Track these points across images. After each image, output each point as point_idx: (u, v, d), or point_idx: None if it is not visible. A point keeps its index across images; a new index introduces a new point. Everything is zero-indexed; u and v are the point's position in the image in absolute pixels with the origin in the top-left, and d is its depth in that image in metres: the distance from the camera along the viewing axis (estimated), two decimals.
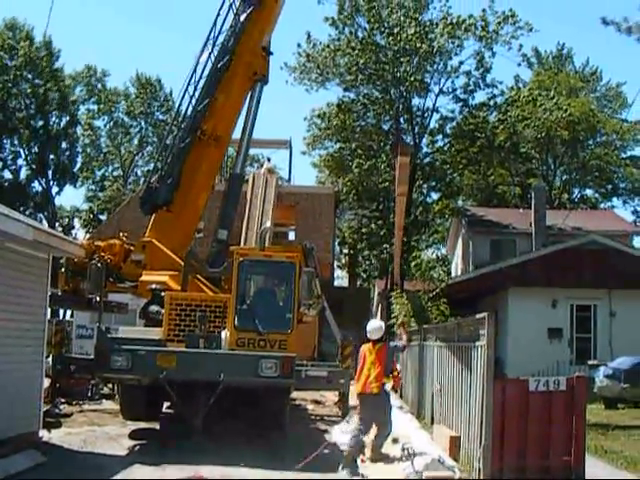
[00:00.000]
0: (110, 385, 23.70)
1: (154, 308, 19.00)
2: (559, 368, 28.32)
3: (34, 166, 70.94)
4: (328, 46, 42.08)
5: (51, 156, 71.31)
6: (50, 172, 71.06)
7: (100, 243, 22.75)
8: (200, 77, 23.49)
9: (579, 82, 62.65)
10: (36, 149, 70.51)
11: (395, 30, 40.77)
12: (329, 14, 43.01)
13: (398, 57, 41.13)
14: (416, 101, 43.78)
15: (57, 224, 73.83)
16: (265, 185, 37.90)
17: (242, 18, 23.74)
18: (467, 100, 43.23)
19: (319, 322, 35.67)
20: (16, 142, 70.48)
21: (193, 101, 23.33)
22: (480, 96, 44.13)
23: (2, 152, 70.69)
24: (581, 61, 70.26)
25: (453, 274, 43.88)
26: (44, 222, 71.91)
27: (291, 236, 38.34)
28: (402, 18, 41.05)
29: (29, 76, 68.43)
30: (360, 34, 42.13)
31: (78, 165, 74.94)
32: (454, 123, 43.71)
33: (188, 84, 24.26)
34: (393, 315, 28.63)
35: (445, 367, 15.84)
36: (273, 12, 24.46)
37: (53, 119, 70.70)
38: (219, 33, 23.82)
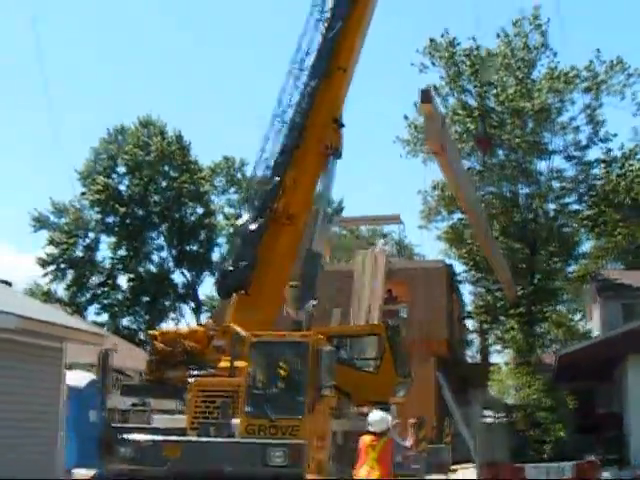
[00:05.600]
0: None
1: None
2: None
3: (175, 257, 72.43)
4: None
5: (193, 247, 72.75)
6: (189, 263, 72.21)
7: (182, 331, 22.50)
8: (269, 156, 23.08)
9: None
10: (175, 241, 71.86)
11: (495, 91, 39.55)
12: (431, 82, 41.75)
13: (504, 119, 39.81)
14: (536, 165, 42.10)
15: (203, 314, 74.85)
16: (374, 263, 37.10)
17: (309, 91, 23.17)
18: (581, 157, 41.32)
19: (436, 402, 34.32)
20: (154, 235, 72.36)
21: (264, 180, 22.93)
22: (595, 152, 42.20)
23: (146, 247, 72.49)
24: None
25: None
26: (187, 312, 73.21)
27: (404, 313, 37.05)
28: (505, 78, 39.81)
29: (166, 169, 70.30)
30: (468, 99, 41.00)
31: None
32: (569, 184, 41.76)
33: (257, 163, 23.95)
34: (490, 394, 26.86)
35: None
36: (342, 83, 23.73)
37: (189, 211, 72.04)
38: (287, 108, 23.38)
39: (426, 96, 20.22)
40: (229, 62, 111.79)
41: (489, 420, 16.82)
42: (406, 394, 23.00)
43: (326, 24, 23.80)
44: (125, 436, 15.50)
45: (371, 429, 13.81)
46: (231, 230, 77.07)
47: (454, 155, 25.41)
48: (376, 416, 14.04)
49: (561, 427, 26.53)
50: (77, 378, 19.84)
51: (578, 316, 64.00)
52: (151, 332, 23.45)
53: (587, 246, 48.95)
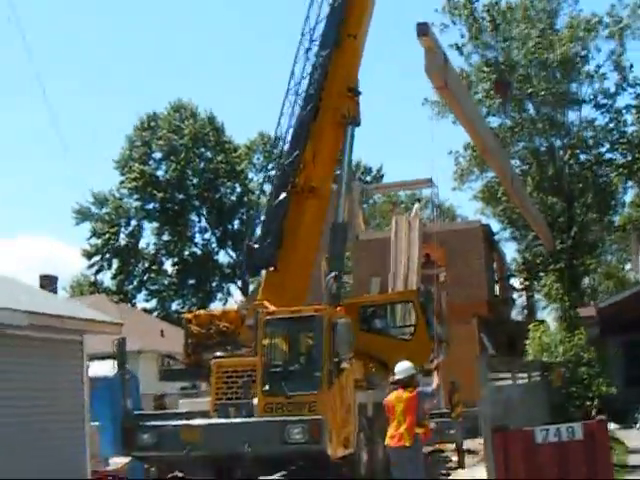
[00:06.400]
0: None
1: None
2: None
3: (218, 238, 72.74)
4: (460, 74, 40.48)
5: (235, 226, 72.89)
6: (233, 242, 72.25)
7: (215, 312, 22.52)
8: (287, 130, 22.83)
9: None
10: (217, 222, 72.09)
11: (515, 44, 38.86)
12: (452, 41, 41.10)
13: (530, 72, 39.12)
14: (567, 116, 41.35)
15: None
16: (409, 229, 36.79)
17: (320, 62, 22.84)
18: (610, 105, 40.36)
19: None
20: (195, 218, 72.67)
21: (283, 155, 22.73)
22: (626, 99, 41.19)
23: (188, 230, 72.76)
24: None
25: None
26: (235, 292, 73.40)
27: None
28: (526, 30, 39.02)
29: (201, 151, 70.36)
30: (490, 54, 40.32)
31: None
32: (600, 133, 40.85)
33: (275, 138, 23.75)
34: (528, 353, 26.38)
35: None
36: (354, 51, 23.36)
37: (228, 191, 72.22)
38: (300, 81, 23.07)
39: (422, 29, 19.34)
40: (257, 37, 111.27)
41: (502, 383, 16.34)
42: (445, 358, 22.77)
43: None
44: (146, 423, 15.55)
45: (396, 377, 13.94)
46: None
47: (461, 92, 24.41)
48: (401, 366, 14.10)
49: (603, 382, 26.06)
50: (108, 368, 19.88)
51: (629, 266, 63.23)
52: (185, 316, 23.51)
53: (629, 195, 48.16)
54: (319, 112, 22.50)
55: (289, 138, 22.76)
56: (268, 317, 16.68)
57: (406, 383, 13.68)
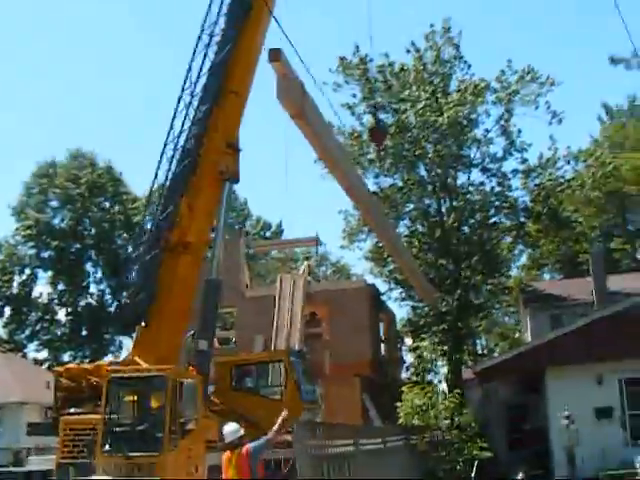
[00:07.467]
0: None
1: None
2: (612, 451, 25.61)
3: (113, 289, 71.56)
4: (352, 134, 40.85)
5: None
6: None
7: (87, 366, 22.02)
8: (164, 183, 22.48)
9: None
10: (112, 273, 71.04)
11: (403, 106, 39.25)
12: (345, 101, 41.49)
13: (418, 135, 39.49)
14: (456, 179, 41.84)
15: None
16: (294, 287, 36.53)
17: (200, 117, 22.61)
18: (497, 169, 40.92)
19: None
20: (91, 268, 71.79)
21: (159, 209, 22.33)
22: (513, 164, 41.92)
23: (84, 280, 71.60)
24: None
25: None
26: (128, 344, 72.11)
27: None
28: (417, 92, 39.43)
29: (99, 200, 69.60)
30: (382, 115, 40.45)
31: None
32: (488, 196, 41.34)
33: (150, 192, 23.40)
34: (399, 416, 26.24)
35: None
36: (235, 107, 23.18)
37: (124, 242, 71.41)
38: (179, 134, 22.79)
39: (274, 55, 19.22)
40: (165, 86, 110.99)
41: (338, 450, 15.76)
42: (318, 418, 22.62)
43: (215, 47, 23.30)
44: None
45: (226, 441, 13.44)
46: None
47: (321, 124, 23.94)
48: (228, 428, 13.58)
49: (474, 446, 25.99)
50: None
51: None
52: (55, 369, 22.98)
53: (522, 259, 49.04)
54: (197, 167, 22.25)
55: (165, 192, 22.46)
56: (112, 375, 16.23)
57: (236, 445, 13.24)
